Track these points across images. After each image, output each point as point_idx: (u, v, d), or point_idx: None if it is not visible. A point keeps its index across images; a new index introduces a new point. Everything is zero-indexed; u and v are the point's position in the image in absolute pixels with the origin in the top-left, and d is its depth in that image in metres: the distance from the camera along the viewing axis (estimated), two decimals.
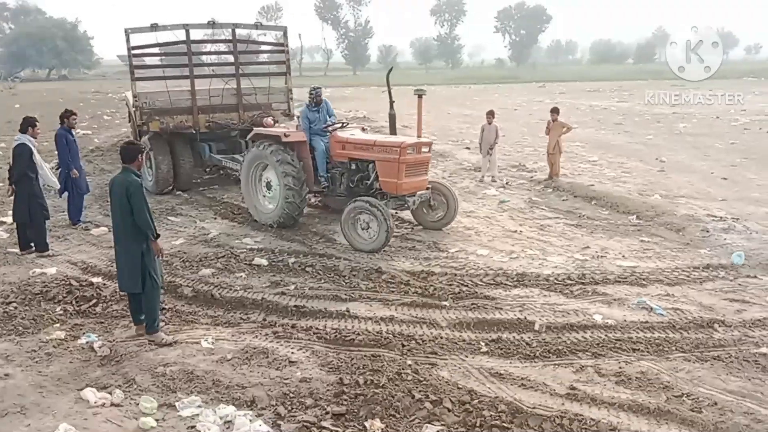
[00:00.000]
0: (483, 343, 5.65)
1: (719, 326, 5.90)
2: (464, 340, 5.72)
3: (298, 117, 10.29)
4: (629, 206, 10.32)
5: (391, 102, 9.52)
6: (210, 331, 5.89)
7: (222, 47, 14.28)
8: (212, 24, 12.39)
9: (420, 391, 4.72)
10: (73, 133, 9.72)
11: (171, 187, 11.95)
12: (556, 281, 7.15)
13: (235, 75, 12.14)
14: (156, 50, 12.30)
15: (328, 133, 9.24)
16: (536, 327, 5.93)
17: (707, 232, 8.83)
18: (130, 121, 16.03)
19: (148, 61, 13.63)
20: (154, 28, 11.12)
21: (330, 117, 9.45)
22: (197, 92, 11.76)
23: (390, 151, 8.49)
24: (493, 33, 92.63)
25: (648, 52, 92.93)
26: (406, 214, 9.64)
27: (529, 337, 5.76)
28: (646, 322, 6.00)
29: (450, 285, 7.03)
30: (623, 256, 7.96)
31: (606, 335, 5.75)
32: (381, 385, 4.78)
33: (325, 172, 9.23)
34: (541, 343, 5.62)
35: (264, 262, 7.83)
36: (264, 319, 6.23)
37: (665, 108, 27.93)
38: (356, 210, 8.25)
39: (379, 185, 8.72)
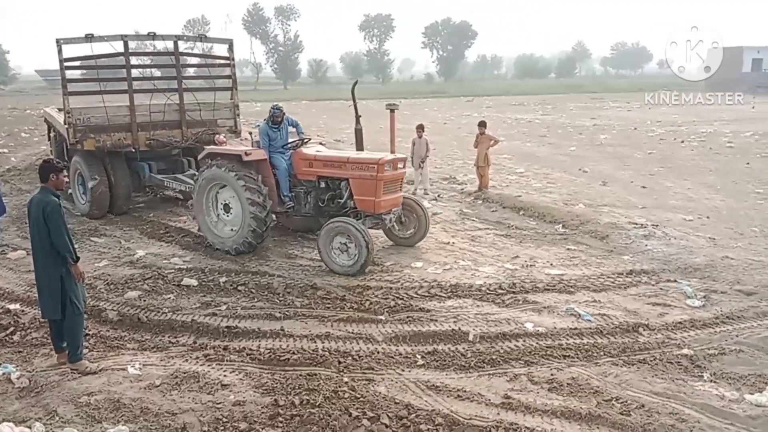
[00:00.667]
0: (419, 356, 5.66)
1: (644, 330, 6.14)
2: (401, 354, 5.71)
3: (250, 134, 9.96)
4: (555, 216, 10.65)
5: (357, 117, 9.33)
6: (137, 357, 5.64)
7: (163, 60, 12.73)
8: (152, 36, 11.58)
9: (357, 408, 4.67)
10: None
11: (106, 211, 11.17)
12: (488, 291, 7.26)
13: (178, 90, 11.49)
14: (91, 63, 11.48)
15: (288, 150, 8.88)
16: (470, 337, 6.00)
17: (629, 239, 9.22)
18: (49, 140, 15.19)
19: (81, 74, 13.00)
20: (89, 38, 10.37)
21: (297, 129, 9.11)
22: (137, 108, 11.06)
23: (366, 169, 8.17)
24: (421, 48, 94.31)
25: (569, 66, 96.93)
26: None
27: (463, 348, 5.81)
28: (575, 328, 6.17)
29: (386, 299, 7.02)
30: (551, 265, 8.18)
31: (537, 343, 5.88)
32: (317, 404, 4.70)
33: (288, 191, 8.83)
34: (476, 354, 5.69)
35: (194, 282, 7.59)
36: (194, 342, 6.02)
37: (586, 120, 29.13)
38: (334, 231, 7.89)
39: (353, 204, 8.39)
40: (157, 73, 13.05)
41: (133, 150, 11.12)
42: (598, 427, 4.48)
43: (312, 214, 8.92)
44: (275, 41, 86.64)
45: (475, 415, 4.63)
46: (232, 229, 8.85)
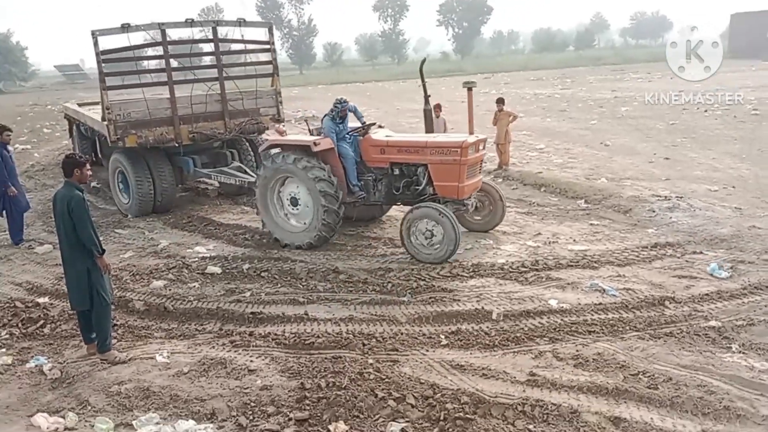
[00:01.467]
0: (443, 336, 5.67)
1: (670, 303, 6.07)
2: (424, 335, 5.72)
3: (306, 121, 9.82)
4: (577, 191, 10.54)
5: (426, 97, 8.81)
6: (165, 345, 5.74)
7: (203, 48, 11.99)
8: (191, 22, 10.66)
9: (383, 389, 4.70)
10: (9, 149, 9.31)
11: (151, 210, 10.71)
12: (510, 269, 7.23)
13: (219, 78, 10.86)
14: (129, 54, 10.87)
15: (353, 137, 8.47)
16: (494, 316, 5.99)
17: (653, 212, 9.09)
18: (71, 135, 15.28)
19: (116, 67, 12.72)
20: (126, 28, 9.81)
21: (356, 113, 8.74)
22: (177, 100, 10.47)
23: (449, 153, 7.76)
24: (436, 27, 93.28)
25: (587, 39, 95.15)
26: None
27: (487, 327, 5.81)
28: (600, 303, 6.13)
29: (408, 280, 7.04)
30: (574, 241, 8.12)
31: (562, 319, 5.85)
32: (343, 386, 4.74)
33: (356, 180, 8.39)
34: (500, 332, 5.68)
35: (217, 270, 7.67)
36: (220, 329, 6.11)
37: (607, 93, 28.65)
38: (419, 217, 7.57)
39: (432, 190, 8.03)
40: (196, 62, 12.17)
41: (176, 145, 10.54)
42: (625, 402, 4.45)
43: (383, 202, 8.61)
44: (289, 26, 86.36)
45: (501, 393, 4.63)
46: (299, 224, 8.49)
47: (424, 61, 9.00)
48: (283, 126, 10.26)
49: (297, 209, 8.50)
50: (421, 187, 8.10)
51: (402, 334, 5.75)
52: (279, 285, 7.18)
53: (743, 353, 5.08)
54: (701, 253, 7.40)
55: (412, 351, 5.42)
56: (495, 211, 8.64)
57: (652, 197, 9.79)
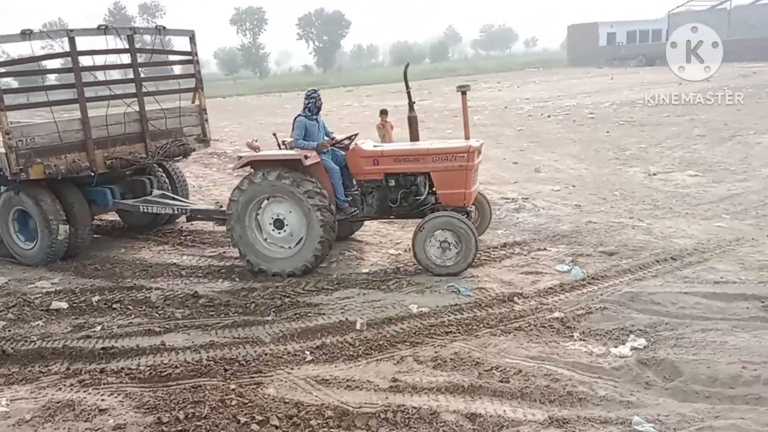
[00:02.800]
0: (308, 352, 5.65)
1: (518, 298, 6.48)
2: (289, 352, 5.67)
3: (274, 135, 8.70)
4: None
5: (411, 103, 8.43)
6: (3, 392, 5.22)
7: (116, 59, 9.89)
8: (104, 29, 9.04)
9: (245, 414, 4.59)
10: None
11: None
12: (374, 278, 7.37)
13: (137, 95, 9.38)
14: (33, 66, 9.40)
15: (334, 151, 7.99)
16: (358, 326, 6.07)
17: (502, 213, 9.68)
18: None
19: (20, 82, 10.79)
20: (27, 35, 8.19)
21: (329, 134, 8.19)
22: (91, 120, 8.85)
23: (455, 159, 7.48)
24: (296, 40, 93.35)
25: (441, 51, 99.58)
26: None
27: (351, 338, 5.87)
28: (456, 304, 6.41)
29: (272, 299, 6.94)
30: None
31: (421, 323, 6.05)
32: (203, 416, 4.57)
33: (343, 195, 7.87)
34: (363, 342, 5.76)
35: (63, 305, 7.11)
36: (67, 369, 5.65)
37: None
38: (438, 227, 7.25)
39: (435, 198, 7.81)
40: (110, 75, 10.34)
41: (92, 174, 8.84)
42: (480, 397, 4.68)
43: (374, 217, 8.21)
44: (142, 40, 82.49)
45: (365, 403, 4.69)
46: (287, 247, 7.76)
47: (407, 66, 8.77)
48: (256, 141, 8.68)
49: (281, 232, 7.75)
50: (422, 198, 7.78)
51: (266, 354, 5.65)
52: (133, 316, 6.79)
53: (583, 340, 5.54)
54: (545, 249, 7.99)
55: (277, 371, 5.34)
56: (484, 217, 8.56)
57: (501, 200, 10.42)
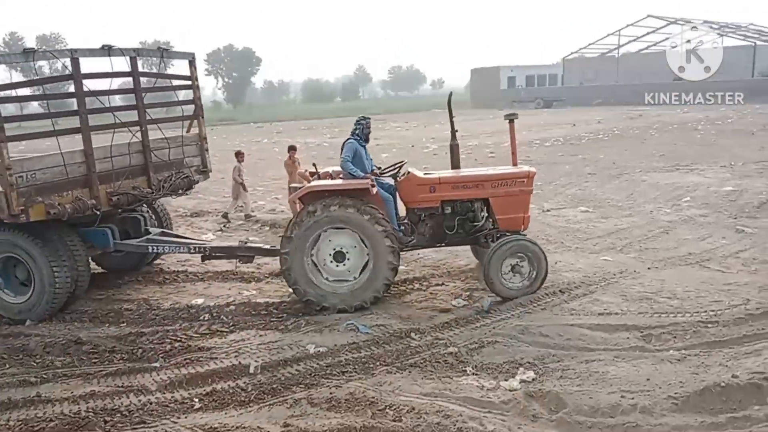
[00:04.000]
0: (196, 400, 5.40)
1: (415, 334, 6.51)
2: (176, 401, 5.39)
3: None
4: None
5: (453, 132, 8.35)
6: None
7: (118, 83, 8.81)
8: (108, 50, 7.93)
9: None
10: None
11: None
12: (271, 319, 7.20)
13: (140, 123, 8.42)
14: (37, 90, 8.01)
15: (382, 179, 7.86)
16: (251, 370, 5.87)
17: None
18: None
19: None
20: (29, 55, 7.18)
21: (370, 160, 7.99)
22: (95, 152, 7.80)
23: (515, 184, 7.71)
24: (205, 75, 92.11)
25: (352, 90, 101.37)
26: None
27: (244, 382, 5.66)
28: (354, 343, 6.35)
29: (161, 343, 6.62)
30: None
31: (318, 363, 5.94)
32: None
33: (396, 224, 7.64)
34: (256, 386, 5.57)
35: None
36: None
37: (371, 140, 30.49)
38: (513, 253, 7.25)
39: (493, 224, 7.76)
40: (115, 101, 9.02)
41: (96, 213, 7.69)
42: None
43: (425, 245, 7.98)
44: (40, 73, 78.63)
45: None
46: (346, 282, 7.38)
47: (450, 95, 8.82)
48: (307, 171, 8.26)
49: (342, 266, 7.39)
50: (480, 223, 7.73)
51: (151, 403, 5.35)
52: (7, 366, 6.27)
53: (476, 374, 5.61)
54: (443, 284, 8.12)
55: (162, 421, 5.07)
56: None
57: None
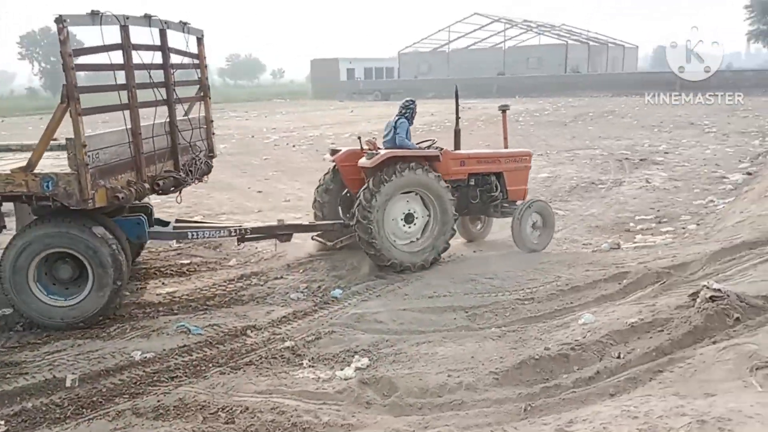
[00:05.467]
0: (2, 421, 4.83)
1: (251, 331, 6.36)
2: None
3: (359, 138, 8.49)
4: None
5: (457, 118, 9.17)
6: None
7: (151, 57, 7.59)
8: (149, 18, 7.21)
9: None
10: None
11: None
12: (92, 326, 6.64)
13: (168, 101, 7.65)
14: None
15: None
16: (68, 383, 5.37)
17: (240, 244, 9.47)
18: None
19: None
20: (97, 18, 6.23)
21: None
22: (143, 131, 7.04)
23: (521, 160, 9.21)
24: (18, 60, 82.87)
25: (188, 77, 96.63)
26: None
27: (59, 398, 5.16)
28: (185, 345, 6.05)
29: None
30: (162, 283, 7.93)
31: (144, 371, 5.58)
32: None
33: None
34: (74, 400, 5.11)
35: None
36: None
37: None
38: (532, 212, 8.73)
39: (504, 194, 8.98)
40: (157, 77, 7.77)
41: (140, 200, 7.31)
42: None
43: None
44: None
45: None
46: (411, 242, 8.16)
47: (456, 88, 9.65)
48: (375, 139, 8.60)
49: (411, 227, 8.16)
50: (495, 194, 8.90)
51: None
52: None
53: (312, 367, 5.60)
54: (282, 277, 8.02)
55: None
56: (488, 223, 9.64)
57: None
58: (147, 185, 7.13)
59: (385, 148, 8.16)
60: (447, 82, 56.05)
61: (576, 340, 5.56)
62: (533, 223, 8.76)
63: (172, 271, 8.43)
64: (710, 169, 15.46)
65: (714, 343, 5.11)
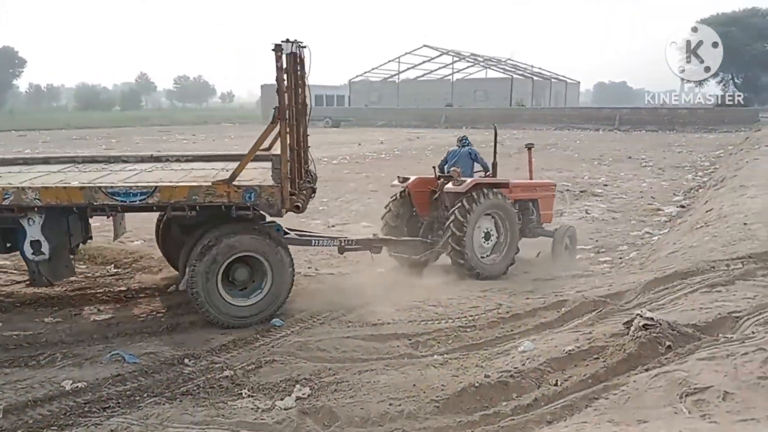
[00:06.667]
0: None
1: (189, 360, 6.19)
2: None
3: (435, 168, 9.99)
4: (107, 256, 10.07)
5: (495, 152, 10.16)
6: None
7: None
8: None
9: None
10: None
11: None
12: (21, 353, 6.34)
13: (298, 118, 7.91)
14: None
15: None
16: None
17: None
18: None
19: None
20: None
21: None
22: None
23: (550, 189, 10.74)
24: None
25: (133, 99, 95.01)
26: None
27: None
28: (119, 375, 5.83)
29: None
30: (99, 311, 7.65)
31: (75, 401, 5.34)
32: None
33: None
34: None
35: None
36: None
37: (153, 152, 28.75)
38: (567, 234, 10.18)
39: (537, 218, 10.32)
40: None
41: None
42: None
43: None
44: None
45: None
46: (492, 257, 9.34)
47: (495, 128, 10.93)
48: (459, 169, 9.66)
49: (489, 243, 9.34)
50: (533, 217, 10.24)
51: None
52: None
53: (252, 396, 5.47)
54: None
55: None
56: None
57: None
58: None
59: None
60: (396, 112, 56.89)
61: (515, 368, 5.64)
62: (566, 245, 10.05)
63: (109, 297, 8.16)
64: (646, 202, 16.12)
65: (647, 370, 5.27)
